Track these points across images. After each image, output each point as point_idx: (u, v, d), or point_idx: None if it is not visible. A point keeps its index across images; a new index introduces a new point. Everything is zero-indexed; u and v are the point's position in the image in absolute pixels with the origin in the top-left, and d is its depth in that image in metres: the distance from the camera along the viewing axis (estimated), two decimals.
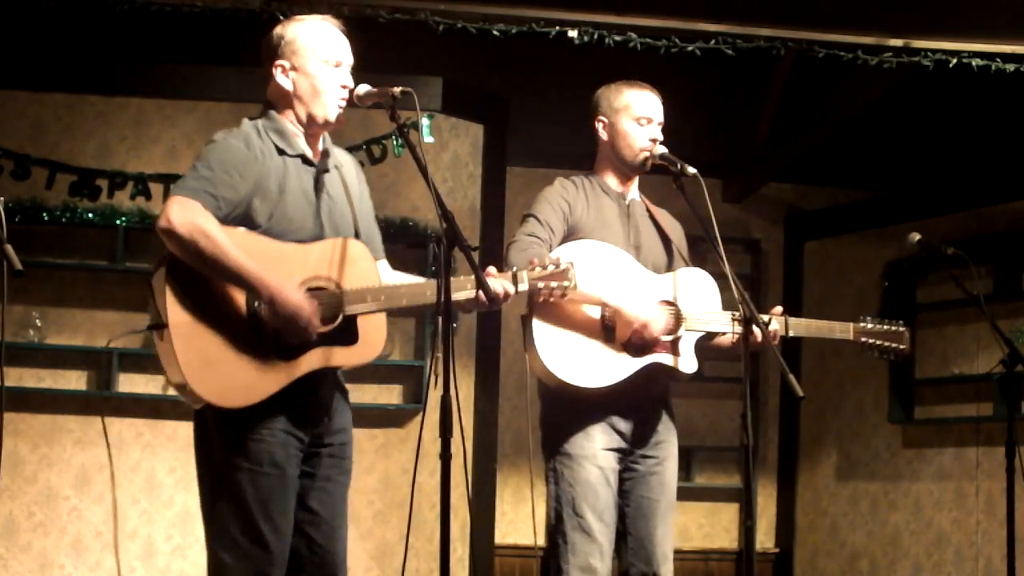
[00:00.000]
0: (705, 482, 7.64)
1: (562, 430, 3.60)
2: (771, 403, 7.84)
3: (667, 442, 3.69)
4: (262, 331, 2.93)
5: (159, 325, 2.90)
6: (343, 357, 3.01)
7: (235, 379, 2.91)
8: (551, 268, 3.24)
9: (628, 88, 3.73)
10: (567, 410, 3.58)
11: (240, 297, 2.94)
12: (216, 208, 2.92)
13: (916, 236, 4.27)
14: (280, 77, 3.07)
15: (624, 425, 3.60)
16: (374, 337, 3.05)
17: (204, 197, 2.91)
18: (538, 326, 3.49)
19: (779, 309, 3.70)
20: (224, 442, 2.98)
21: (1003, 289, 6.66)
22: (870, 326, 3.82)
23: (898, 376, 7.19)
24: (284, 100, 3.09)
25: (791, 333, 3.69)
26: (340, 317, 2.99)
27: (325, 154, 3.15)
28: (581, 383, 3.50)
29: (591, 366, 3.50)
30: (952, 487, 6.94)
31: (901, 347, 3.83)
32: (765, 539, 7.79)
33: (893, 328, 3.83)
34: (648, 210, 3.79)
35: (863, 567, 7.34)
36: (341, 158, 3.23)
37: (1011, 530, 4.38)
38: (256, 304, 2.93)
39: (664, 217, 3.81)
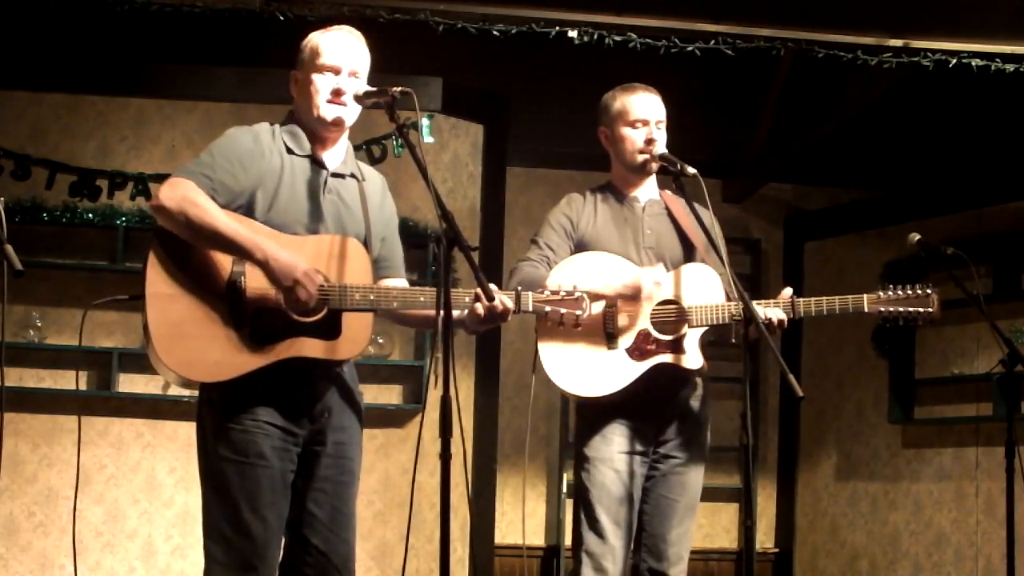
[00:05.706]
0: (705, 482, 7.58)
1: (584, 434, 3.67)
2: (771, 403, 7.82)
3: (693, 444, 3.73)
4: (240, 309, 2.94)
5: (139, 296, 2.95)
6: (322, 350, 3.00)
7: (204, 354, 2.93)
8: (563, 295, 3.21)
9: (623, 94, 3.75)
10: (589, 416, 3.66)
11: (223, 274, 2.96)
12: (211, 190, 2.97)
13: (916, 236, 4.26)
14: (292, 87, 3.21)
15: (644, 427, 3.64)
16: (358, 335, 3.04)
17: (199, 178, 2.98)
18: (544, 348, 3.57)
19: (788, 292, 3.69)
20: (214, 433, 3.00)
21: (1003, 289, 6.66)
22: (890, 294, 3.65)
23: (898, 376, 7.18)
24: (296, 107, 3.21)
25: (802, 314, 3.66)
26: (325, 310, 2.99)
27: (344, 163, 3.19)
28: (588, 393, 3.57)
29: (595, 375, 3.56)
30: (952, 487, 6.93)
31: (929, 310, 3.64)
32: (765, 539, 7.78)
33: (918, 292, 3.65)
34: (668, 207, 3.79)
35: (863, 567, 7.34)
36: (367, 173, 3.28)
37: (1011, 530, 4.38)
38: (239, 276, 2.94)
39: (685, 213, 3.78)
